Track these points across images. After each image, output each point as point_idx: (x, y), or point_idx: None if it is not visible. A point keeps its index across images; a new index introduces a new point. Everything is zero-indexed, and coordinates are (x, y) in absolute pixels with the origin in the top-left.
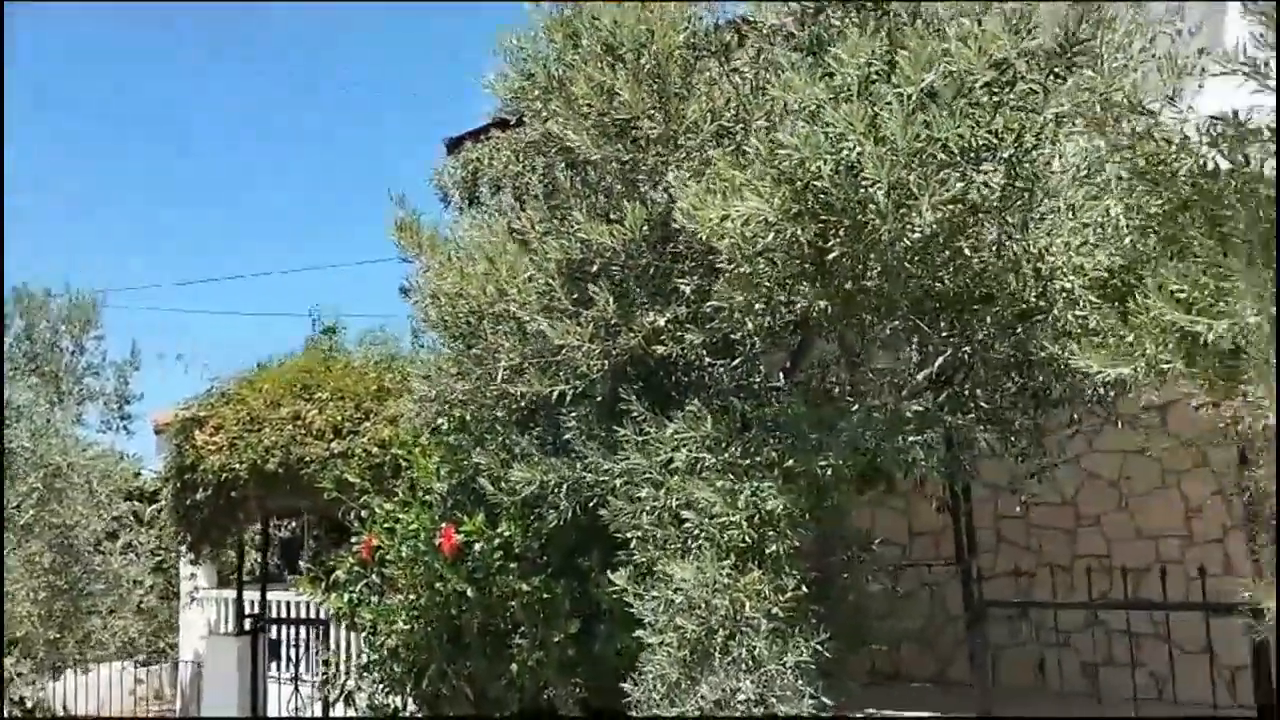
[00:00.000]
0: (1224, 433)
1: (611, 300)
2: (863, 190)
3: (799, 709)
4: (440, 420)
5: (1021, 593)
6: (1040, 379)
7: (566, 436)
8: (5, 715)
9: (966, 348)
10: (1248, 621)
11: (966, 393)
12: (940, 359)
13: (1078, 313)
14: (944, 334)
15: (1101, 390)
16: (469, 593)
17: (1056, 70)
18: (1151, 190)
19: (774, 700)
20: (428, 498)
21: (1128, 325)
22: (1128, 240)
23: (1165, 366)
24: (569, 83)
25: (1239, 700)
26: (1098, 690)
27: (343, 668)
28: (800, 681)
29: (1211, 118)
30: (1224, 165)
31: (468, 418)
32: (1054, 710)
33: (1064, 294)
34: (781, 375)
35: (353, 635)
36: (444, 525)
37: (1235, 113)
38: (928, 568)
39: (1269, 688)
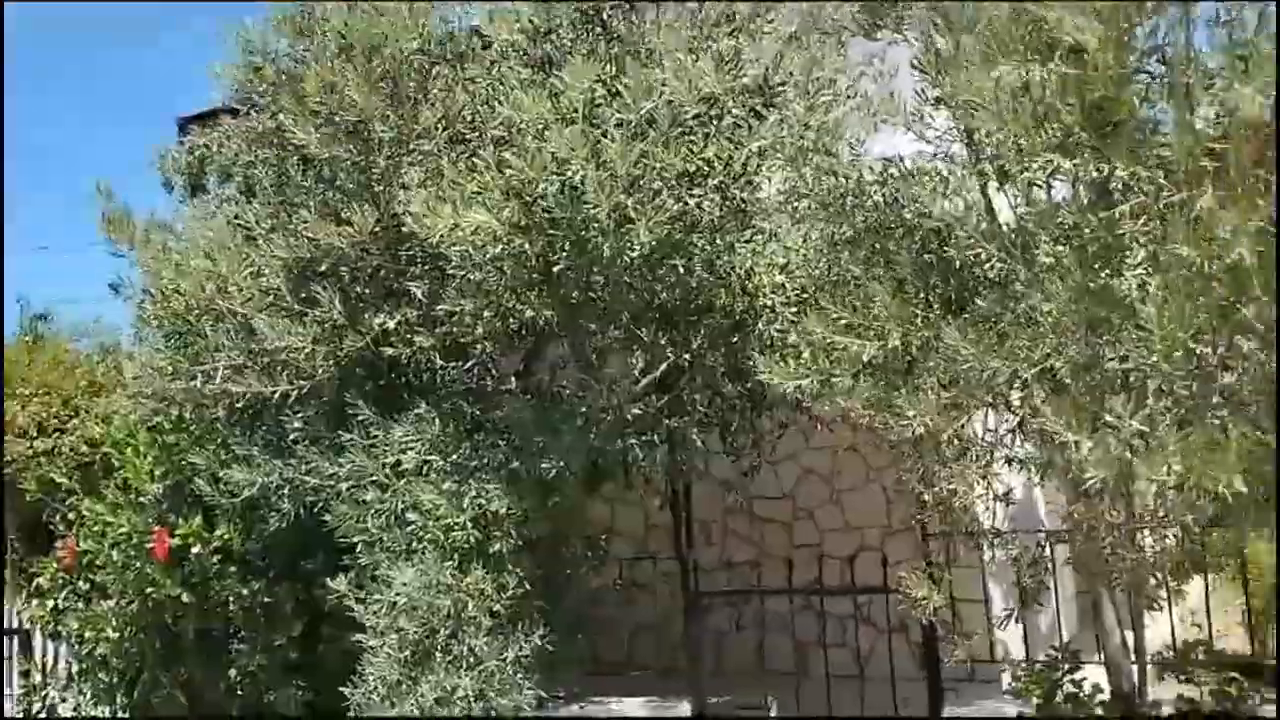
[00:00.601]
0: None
1: (339, 300)
2: (585, 210)
3: (518, 701)
4: (157, 419)
5: (747, 582)
6: (749, 385)
7: (291, 438)
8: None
9: (686, 355)
10: (905, 603)
11: (686, 397)
12: (663, 366)
13: (777, 327)
14: (664, 343)
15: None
16: (184, 598)
17: (758, 108)
18: (831, 221)
19: (493, 694)
20: (141, 500)
21: (805, 342)
22: (823, 264)
23: (835, 380)
24: (300, 79)
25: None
26: (807, 669)
27: (46, 679)
28: (519, 675)
29: (884, 159)
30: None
31: (186, 417)
32: (763, 688)
33: (766, 310)
34: (514, 379)
35: (62, 645)
36: (157, 529)
37: (900, 157)
38: (653, 561)
39: (936, 655)
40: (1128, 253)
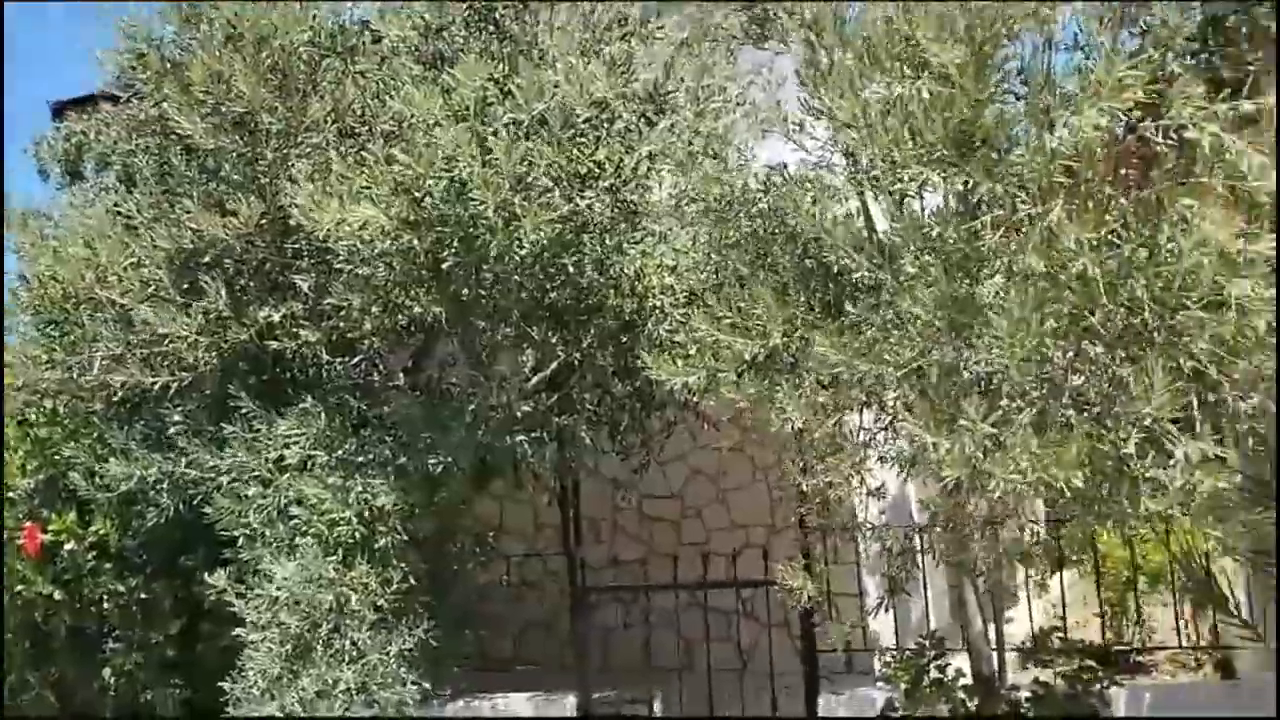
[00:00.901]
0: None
1: (224, 292)
2: (472, 207)
3: (401, 695)
4: (29, 411)
5: (638, 579)
6: (639, 384)
7: (171, 431)
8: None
9: (576, 354)
10: (783, 596)
11: (575, 395)
12: (554, 364)
13: (666, 327)
14: (555, 341)
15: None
16: (56, 595)
17: (648, 113)
18: (717, 226)
19: (375, 688)
20: (11, 495)
21: (691, 340)
22: (710, 266)
23: (721, 377)
24: (185, 68)
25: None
26: (692, 663)
27: None
28: (403, 670)
29: (769, 167)
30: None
31: (60, 409)
32: (649, 683)
33: (656, 310)
34: (402, 375)
35: None
36: (28, 525)
37: (784, 165)
38: (540, 558)
39: (813, 646)
40: (985, 263)
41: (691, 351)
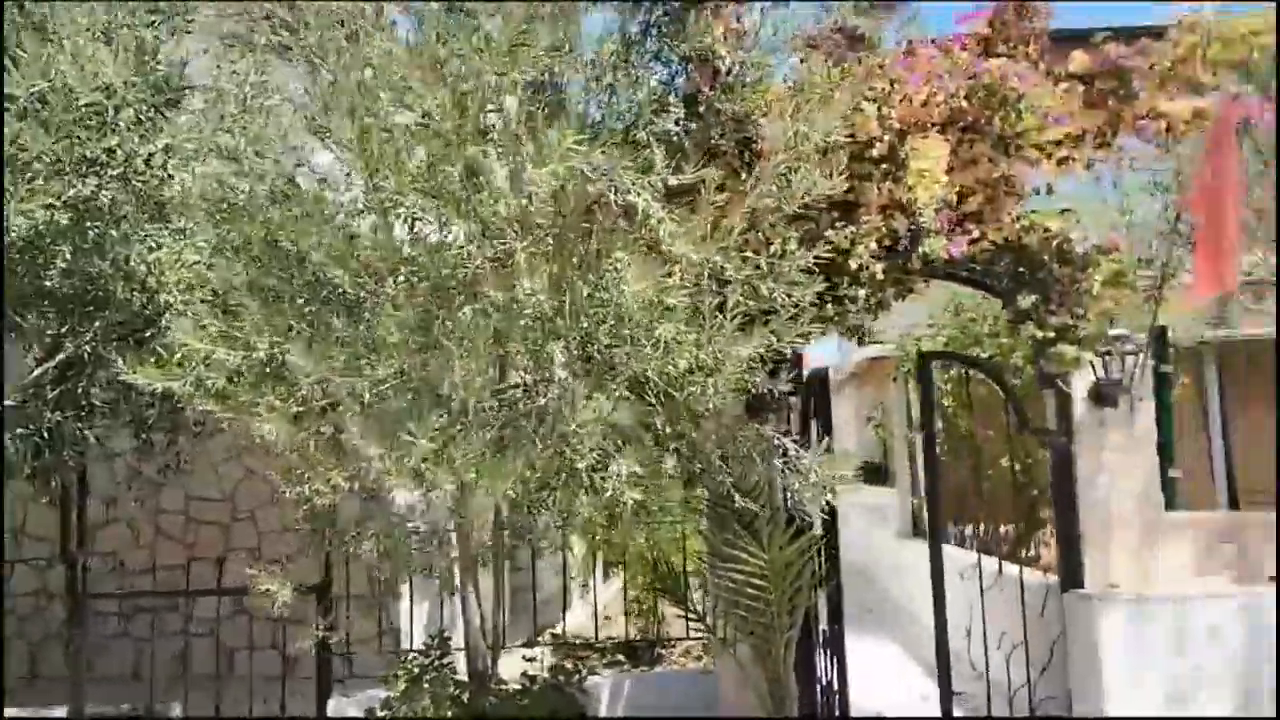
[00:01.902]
0: None
1: None
2: None
3: None
4: None
5: (177, 584)
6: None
7: None
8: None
9: (86, 348)
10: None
11: (82, 390)
12: (59, 356)
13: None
14: (58, 332)
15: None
16: None
17: (160, 106)
18: (221, 226)
19: None
20: None
21: (179, 345)
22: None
23: (209, 384)
24: None
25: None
26: (234, 671)
27: None
28: None
29: (284, 176)
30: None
31: None
32: (139, 693)
33: (168, 306)
34: None
35: None
36: None
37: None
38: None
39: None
40: (458, 292)
41: (180, 356)
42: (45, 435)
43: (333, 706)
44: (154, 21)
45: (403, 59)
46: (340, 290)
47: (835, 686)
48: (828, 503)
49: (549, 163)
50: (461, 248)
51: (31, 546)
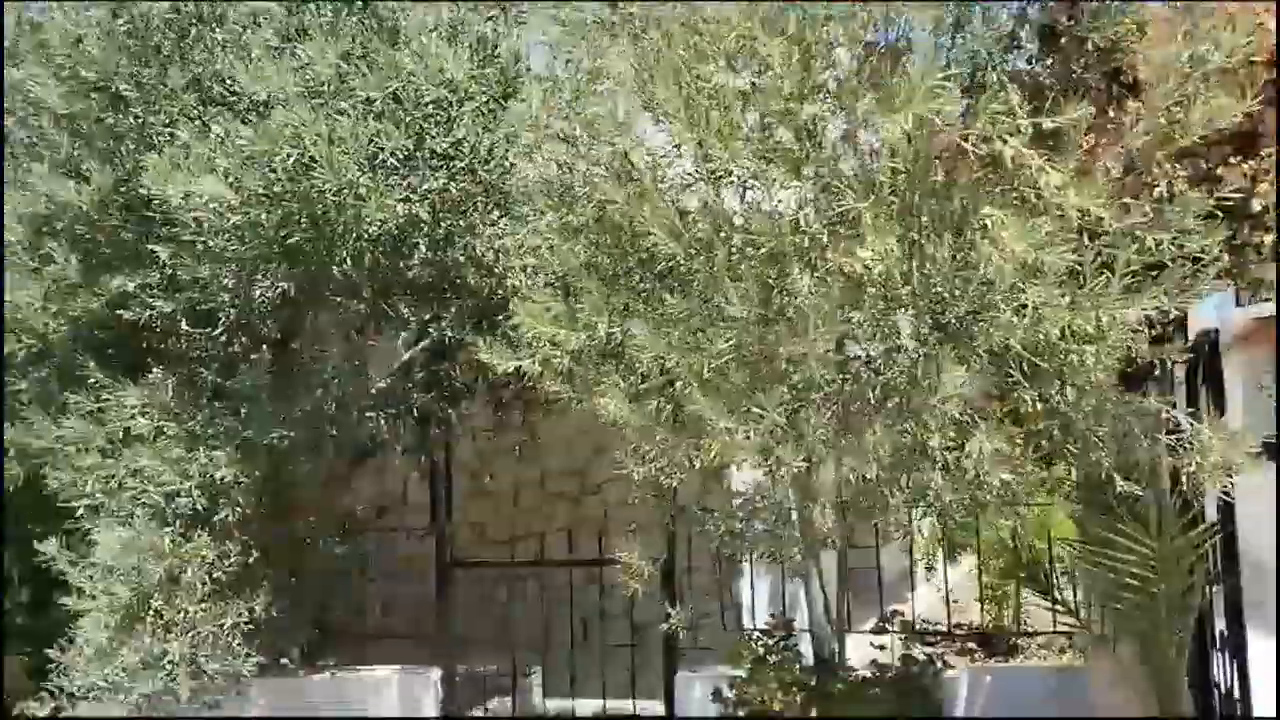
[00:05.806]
0: None
1: (73, 259)
2: (316, 185)
3: (235, 666)
4: None
5: (509, 557)
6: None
7: (24, 399)
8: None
9: (448, 333)
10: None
11: (444, 373)
12: (423, 342)
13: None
14: (421, 319)
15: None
16: None
17: (498, 97)
18: (560, 211)
19: (204, 659)
20: None
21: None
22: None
23: (555, 364)
24: (42, 28)
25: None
26: (587, 639)
27: None
28: (236, 642)
29: (620, 155)
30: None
31: None
32: (504, 656)
33: (514, 291)
34: (265, 349)
35: None
36: None
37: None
38: (405, 534)
39: None
40: (794, 260)
41: (529, 338)
42: (414, 414)
43: (679, 680)
44: (493, 16)
45: (733, 18)
46: (673, 265)
47: (1236, 694)
48: (1223, 488)
49: (897, 110)
50: (798, 212)
51: (411, 516)
